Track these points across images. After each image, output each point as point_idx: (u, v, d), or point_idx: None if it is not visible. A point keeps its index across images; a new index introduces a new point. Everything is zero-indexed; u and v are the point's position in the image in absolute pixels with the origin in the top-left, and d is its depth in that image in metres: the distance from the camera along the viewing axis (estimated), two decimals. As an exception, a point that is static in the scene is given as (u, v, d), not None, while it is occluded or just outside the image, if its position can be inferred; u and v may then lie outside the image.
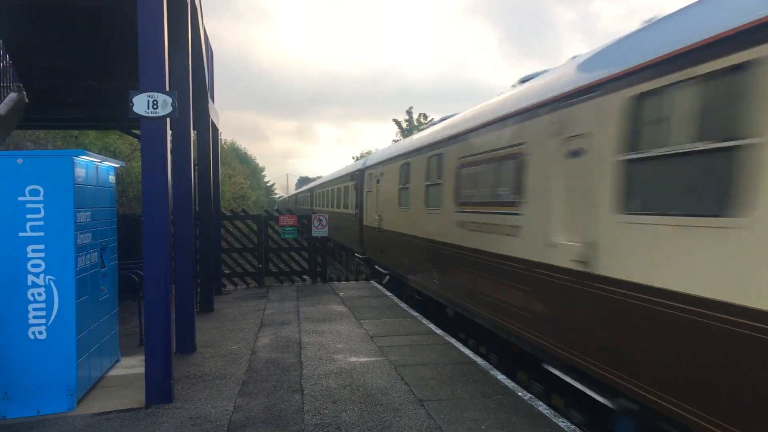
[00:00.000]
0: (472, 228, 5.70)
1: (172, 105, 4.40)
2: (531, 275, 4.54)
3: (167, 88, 4.53)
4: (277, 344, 6.38)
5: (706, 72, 2.87)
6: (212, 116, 8.37)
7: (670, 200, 3.09)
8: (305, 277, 12.00)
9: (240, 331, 7.08)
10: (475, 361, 5.36)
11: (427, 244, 6.83)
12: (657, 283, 3.06)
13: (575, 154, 3.95)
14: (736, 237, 2.63)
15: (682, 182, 2.98)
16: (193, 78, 6.21)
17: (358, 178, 13.55)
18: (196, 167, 7.83)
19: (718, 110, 2.81)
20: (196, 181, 7.89)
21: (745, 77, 2.66)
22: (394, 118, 35.11)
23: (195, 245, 6.57)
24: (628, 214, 3.39)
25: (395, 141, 32.33)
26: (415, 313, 7.91)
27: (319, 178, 43.89)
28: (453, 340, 6.16)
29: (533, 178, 4.57)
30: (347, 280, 12.10)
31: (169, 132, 4.52)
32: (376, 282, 11.44)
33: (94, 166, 4.98)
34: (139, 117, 4.42)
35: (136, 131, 9.23)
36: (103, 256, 5.12)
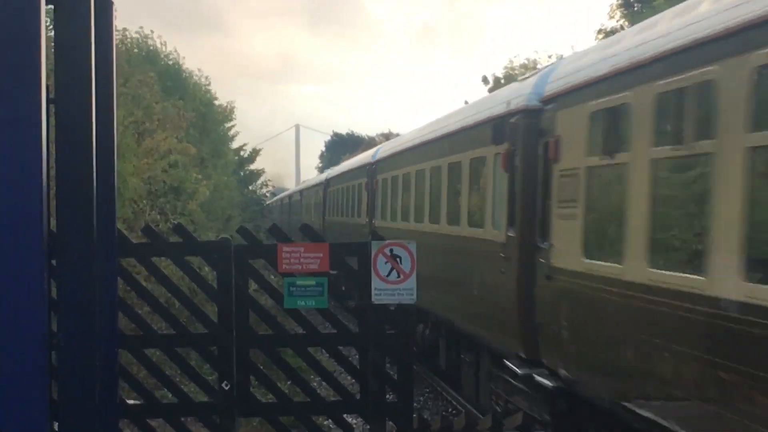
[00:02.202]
0: None
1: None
2: None
3: None
4: None
5: None
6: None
7: None
8: (351, 419, 12.19)
9: None
10: None
11: None
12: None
13: None
14: None
15: None
16: None
17: None
18: (52, 102, 7.80)
19: None
20: (52, 139, 7.70)
21: None
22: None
23: (48, 326, 6.66)
24: None
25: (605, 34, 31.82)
26: None
27: (392, 137, 39.77)
28: None
29: None
30: (472, 427, 11.53)
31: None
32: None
33: None
34: None
35: None
36: None
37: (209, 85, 46.34)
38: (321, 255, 10.35)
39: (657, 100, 8.73)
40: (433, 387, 19.70)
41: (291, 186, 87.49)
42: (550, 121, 11.44)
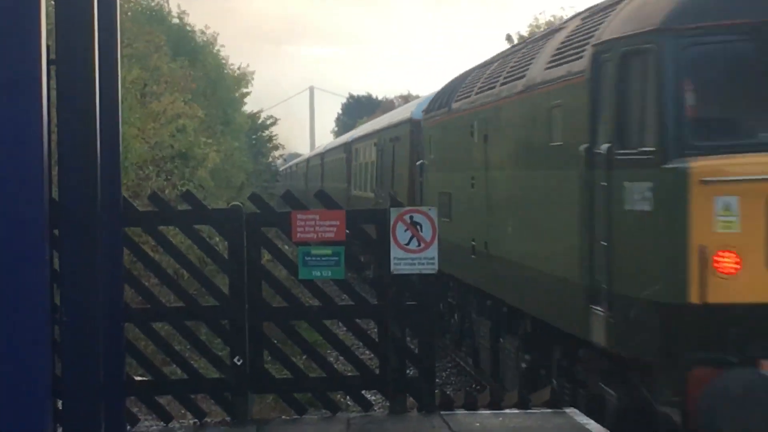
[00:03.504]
0: None
1: None
2: None
3: None
4: None
5: None
6: None
7: None
8: (370, 395, 12.49)
9: None
10: None
11: None
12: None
13: None
14: None
15: None
16: None
17: None
18: (52, 65, 7.74)
19: None
20: (53, 103, 7.70)
21: None
22: None
23: (50, 299, 6.71)
24: None
25: None
26: None
27: (412, 99, 37.99)
28: None
29: None
30: (497, 403, 11.33)
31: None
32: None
33: None
34: None
35: None
36: None
37: (218, 46, 45.26)
38: (337, 223, 10.29)
39: (349, 149, 38.87)
40: (456, 361, 19.74)
41: (305, 152, 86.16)
42: (354, 148, 37.55)
